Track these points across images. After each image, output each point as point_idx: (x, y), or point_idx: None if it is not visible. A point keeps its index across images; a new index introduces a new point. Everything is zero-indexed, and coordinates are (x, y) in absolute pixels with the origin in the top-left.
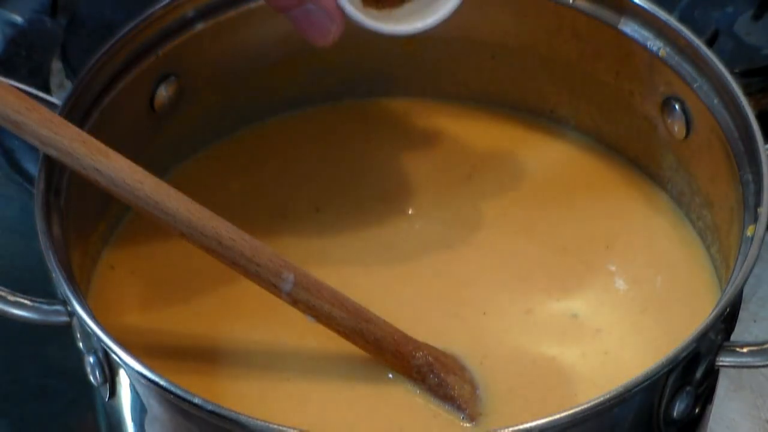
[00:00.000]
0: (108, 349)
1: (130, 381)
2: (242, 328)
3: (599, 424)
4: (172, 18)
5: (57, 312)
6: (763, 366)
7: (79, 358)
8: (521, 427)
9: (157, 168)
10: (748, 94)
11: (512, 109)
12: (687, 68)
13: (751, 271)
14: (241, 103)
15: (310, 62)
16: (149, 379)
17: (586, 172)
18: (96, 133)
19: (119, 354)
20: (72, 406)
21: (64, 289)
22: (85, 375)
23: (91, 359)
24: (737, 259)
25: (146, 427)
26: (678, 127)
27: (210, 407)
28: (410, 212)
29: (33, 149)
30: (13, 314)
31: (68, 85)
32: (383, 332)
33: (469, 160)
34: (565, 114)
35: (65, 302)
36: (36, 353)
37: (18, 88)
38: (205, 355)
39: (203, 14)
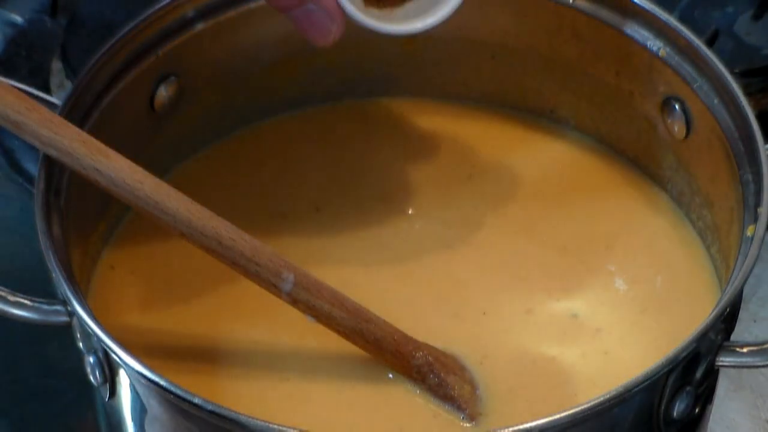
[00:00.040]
0: (108, 349)
1: (130, 381)
2: (242, 328)
3: (599, 424)
4: (172, 18)
5: (57, 312)
6: (763, 366)
7: (79, 358)
8: (521, 427)
9: (157, 168)
10: (748, 94)
11: (512, 109)
12: (687, 68)
13: (751, 271)
14: (241, 103)
15: (310, 62)
16: (149, 379)
17: (586, 172)
18: (96, 133)
19: (119, 354)
20: (72, 406)
21: (64, 289)
22: (85, 375)
23: (91, 359)
24: (737, 259)
25: (146, 427)
26: (678, 127)
27: (210, 407)
28: (410, 212)
29: (33, 149)
30: (13, 314)
31: (68, 85)
32: (383, 332)
33: (469, 160)
34: (565, 114)
35: (65, 302)
36: (36, 353)
37: (18, 88)
38: (205, 355)
39: (203, 14)
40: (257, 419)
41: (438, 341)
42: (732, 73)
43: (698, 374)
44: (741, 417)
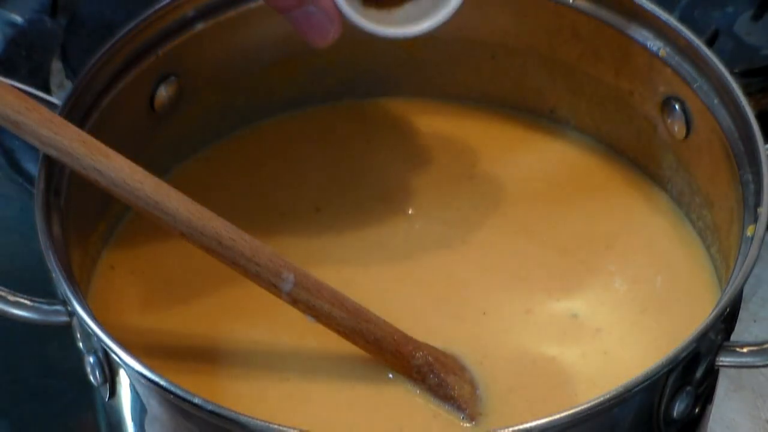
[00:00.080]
0: (108, 349)
1: (130, 381)
2: (242, 328)
3: (599, 424)
4: (172, 18)
5: (57, 312)
6: (763, 366)
7: (79, 358)
8: (521, 427)
9: (157, 168)
10: (748, 94)
11: (512, 109)
12: (687, 68)
13: (751, 271)
14: (241, 103)
15: (309, 62)
16: (149, 379)
17: (586, 172)
18: (96, 133)
19: (119, 354)
20: (72, 406)
21: (64, 289)
22: (85, 375)
23: (91, 359)
24: (737, 259)
25: (146, 427)
26: (678, 127)
27: (210, 407)
28: (410, 212)
29: (33, 149)
30: (13, 314)
31: (68, 85)
32: (383, 332)
33: (469, 160)
34: (565, 114)
35: (65, 302)
36: (36, 353)
37: (18, 88)
38: (205, 355)
39: (203, 14)
40: (257, 419)
41: (438, 341)
42: (732, 73)
43: (698, 374)
44: (741, 417)
